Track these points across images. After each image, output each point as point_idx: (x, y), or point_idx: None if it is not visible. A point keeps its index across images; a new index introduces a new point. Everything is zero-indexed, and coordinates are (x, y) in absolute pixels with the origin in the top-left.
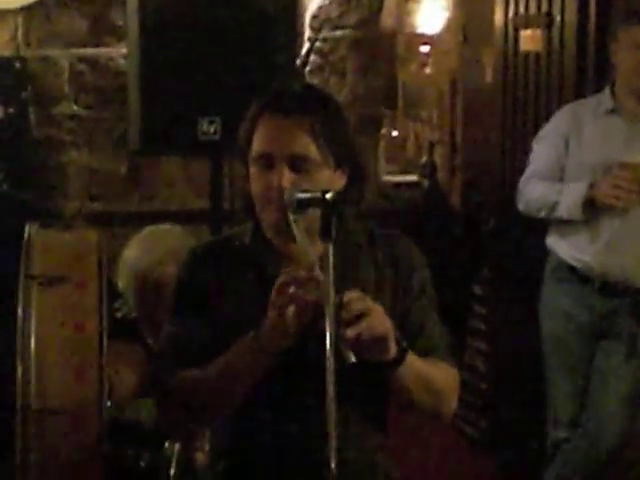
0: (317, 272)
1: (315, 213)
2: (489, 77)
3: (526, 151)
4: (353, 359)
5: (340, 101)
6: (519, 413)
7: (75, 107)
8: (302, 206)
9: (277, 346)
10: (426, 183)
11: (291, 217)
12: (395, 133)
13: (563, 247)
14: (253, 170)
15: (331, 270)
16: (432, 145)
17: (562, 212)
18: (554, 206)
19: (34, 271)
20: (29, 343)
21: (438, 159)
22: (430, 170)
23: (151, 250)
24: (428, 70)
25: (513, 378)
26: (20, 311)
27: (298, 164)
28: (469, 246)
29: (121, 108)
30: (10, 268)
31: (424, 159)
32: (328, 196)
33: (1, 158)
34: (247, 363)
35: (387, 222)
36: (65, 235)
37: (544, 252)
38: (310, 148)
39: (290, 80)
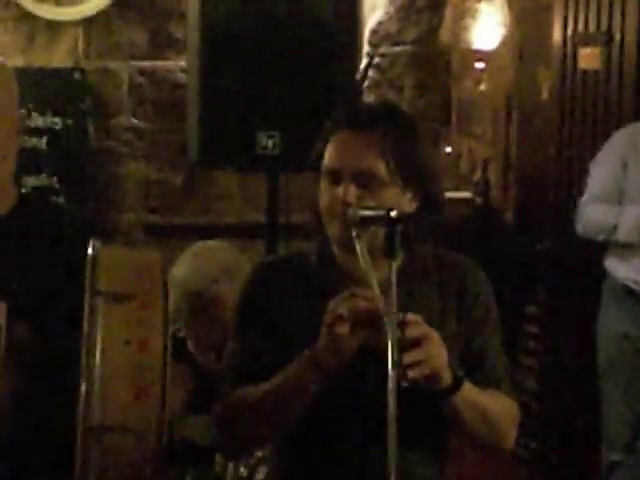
0: (376, 291)
1: (380, 232)
2: (545, 94)
3: (583, 170)
4: (405, 384)
5: None
6: (571, 434)
7: (133, 119)
8: (365, 222)
9: (332, 364)
10: (479, 200)
11: (354, 233)
12: (449, 149)
13: (621, 270)
14: (322, 184)
15: (394, 289)
16: (486, 162)
17: (620, 235)
18: (612, 229)
19: (100, 287)
20: (94, 360)
21: (492, 176)
22: (484, 187)
23: (202, 267)
24: (483, 86)
25: (566, 398)
26: (86, 327)
27: (364, 180)
28: (523, 265)
29: (179, 121)
30: (71, 283)
31: (478, 176)
32: (392, 214)
33: (59, 169)
34: (303, 381)
35: (440, 239)
36: (130, 252)
37: (599, 272)
38: (377, 165)
39: (352, 96)
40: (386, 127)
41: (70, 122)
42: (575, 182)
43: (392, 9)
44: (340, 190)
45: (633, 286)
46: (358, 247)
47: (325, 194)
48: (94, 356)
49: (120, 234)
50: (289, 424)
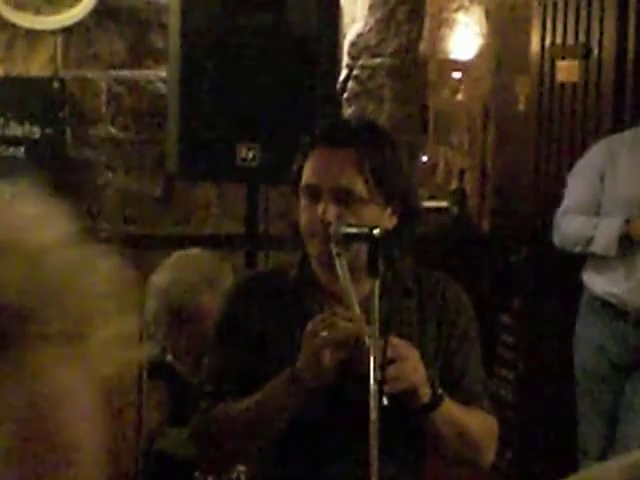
0: (356, 311)
1: (361, 249)
2: (522, 105)
3: (559, 181)
4: (385, 402)
5: None
6: (547, 444)
7: (112, 129)
8: (348, 240)
9: (312, 382)
10: (456, 209)
11: (334, 251)
12: (425, 158)
13: (598, 282)
14: (301, 202)
15: (376, 307)
16: (462, 172)
17: (597, 248)
18: (590, 241)
19: None
20: None
21: (468, 186)
22: (460, 197)
23: (184, 278)
24: (460, 96)
25: (541, 408)
26: None
27: (344, 198)
28: (499, 274)
29: (158, 131)
30: None
31: (454, 185)
32: (375, 232)
33: (37, 178)
34: (283, 399)
35: (416, 248)
36: None
37: (575, 283)
38: (356, 182)
39: (331, 109)
40: (364, 144)
41: (48, 131)
42: (551, 193)
43: (372, 21)
44: (319, 208)
45: (610, 299)
46: (338, 265)
47: (304, 212)
48: None
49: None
50: (269, 439)
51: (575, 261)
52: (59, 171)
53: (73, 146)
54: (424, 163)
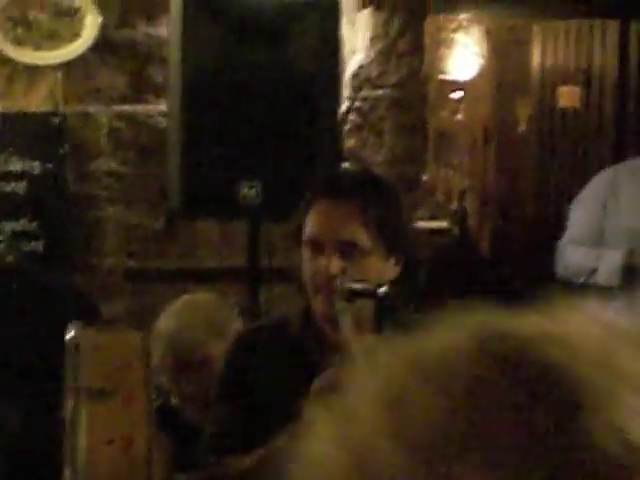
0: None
1: (365, 302)
2: (523, 127)
3: (560, 205)
4: None
5: (379, 160)
6: None
7: (113, 164)
8: (353, 297)
9: None
10: (456, 230)
11: (339, 305)
12: (424, 178)
13: None
14: (304, 254)
15: None
16: (463, 192)
17: (600, 279)
18: (592, 273)
19: (82, 382)
20: (78, 457)
21: (469, 206)
22: (461, 217)
23: (191, 324)
24: (460, 116)
25: None
26: (68, 424)
27: (347, 250)
28: (499, 296)
29: (159, 165)
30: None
31: (455, 205)
32: (381, 290)
33: (38, 214)
34: (288, 454)
35: (417, 269)
36: (110, 338)
37: None
38: (360, 234)
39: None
40: (366, 195)
41: (49, 166)
42: (552, 217)
43: (373, 53)
44: (323, 261)
45: None
46: (342, 319)
47: (308, 265)
48: (78, 453)
49: (100, 279)
50: None
51: (577, 290)
52: (60, 207)
53: (74, 181)
54: (424, 183)
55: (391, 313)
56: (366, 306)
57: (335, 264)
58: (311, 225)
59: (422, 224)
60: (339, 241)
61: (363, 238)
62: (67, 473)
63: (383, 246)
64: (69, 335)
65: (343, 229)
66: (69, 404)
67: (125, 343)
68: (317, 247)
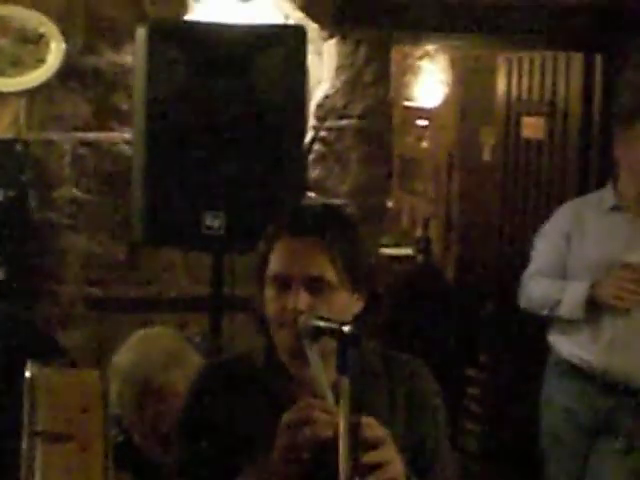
0: (330, 402)
1: (329, 340)
2: (487, 155)
3: (525, 234)
4: None
5: (344, 191)
6: None
7: (76, 191)
8: (318, 334)
9: (286, 476)
10: (421, 257)
11: (305, 343)
12: (389, 204)
13: (565, 345)
14: (269, 291)
15: (347, 402)
16: (427, 219)
17: (564, 311)
18: (556, 305)
19: (38, 426)
20: None
21: (433, 233)
22: (425, 244)
23: (149, 355)
24: (425, 144)
25: (507, 461)
26: (24, 468)
27: (315, 286)
28: (464, 327)
29: (122, 193)
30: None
31: (419, 233)
32: (346, 329)
33: (0, 241)
34: None
35: (381, 296)
36: (67, 378)
37: (541, 336)
38: (327, 270)
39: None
40: (331, 230)
41: (11, 194)
42: (517, 246)
43: (338, 83)
44: (290, 297)
45: (578, 362)
46: (310, 356)
47: (273, 302)
48: None
49: (61, 307)
50: None
51: (541, 318)
52: (22, 234)
53: (36, 208)
54: (388, 210)
55: (355, 353)
56: (330, 342)
57: (303, 299)
58: (277, 262)
59: (386, 251)
60: (307, 276)
61: (330, 272)
62: None
63: (348, 281)
64: (26, 375)
65: (312, 265)
66: (25, 446)
67: (82, 384)
68: (283, 283)
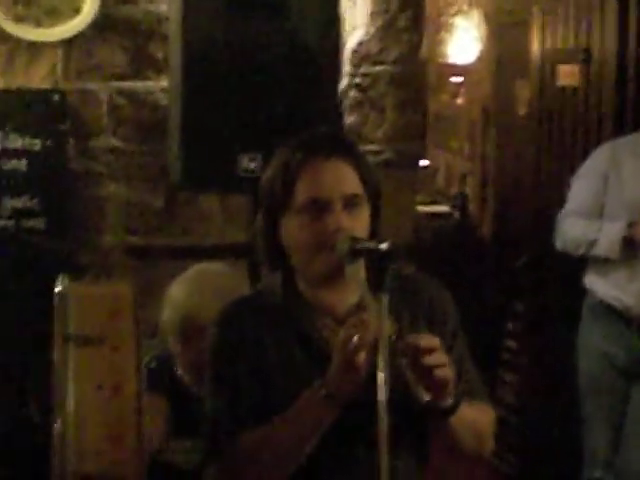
0: (375, 314)
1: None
2: (523, 109)
3: (560, 186)
4: (427, 398)
5: (379, 137)
6: (551, 449)
7: (113, 140)
8: (356, 255)
9: (347, 393)
10: (457, 214)
11: (348, 263)
12: (425, 163)
13: (601, 286)
14: (299, 218)
15: (386, 319)
16: (463, 176)
17: (600, 250)
18: (592, 244)
19: (70, 330)
20: (67, 405)
21: (469, 190)
22: (461, 201)
23: (200, 292)
24: (460, 100)
25: (545, 413)
26: (57, 371)
27: (351, 204)
28: (501, 280)
29: (159, 142)
30: (41, 319)
31: (455, 190)
32: (382, 247)
33: (39, 191)
34: (315, 414)
35: (418, 253)
36: (99, 289)
37: (578, 287)
38: (360, 188)
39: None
40: (350, 151)
41: (50, 144)
42: (553, 197)
43: (372, 29)
44: (330, 219)
45: (613, 303)
46: (357, 278)
47: (309, 227)
48: (67, 400)
49: (101, 256)
50: (300, 460)
51: (577, 265)
52: (61, 184)
53: (74, 158)
54: (425, 168)
55: (393, 267)
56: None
57: (344, 220)
58: (310, 186)
59: (423, 209)
60: (344, 196)
61: (361, 189)
62: (57, 431)
63: (370, 196)
64: (57, 288)
65: (348, 184)
66: (57, 351)
67: (113, 292)
68: (320, 207)
